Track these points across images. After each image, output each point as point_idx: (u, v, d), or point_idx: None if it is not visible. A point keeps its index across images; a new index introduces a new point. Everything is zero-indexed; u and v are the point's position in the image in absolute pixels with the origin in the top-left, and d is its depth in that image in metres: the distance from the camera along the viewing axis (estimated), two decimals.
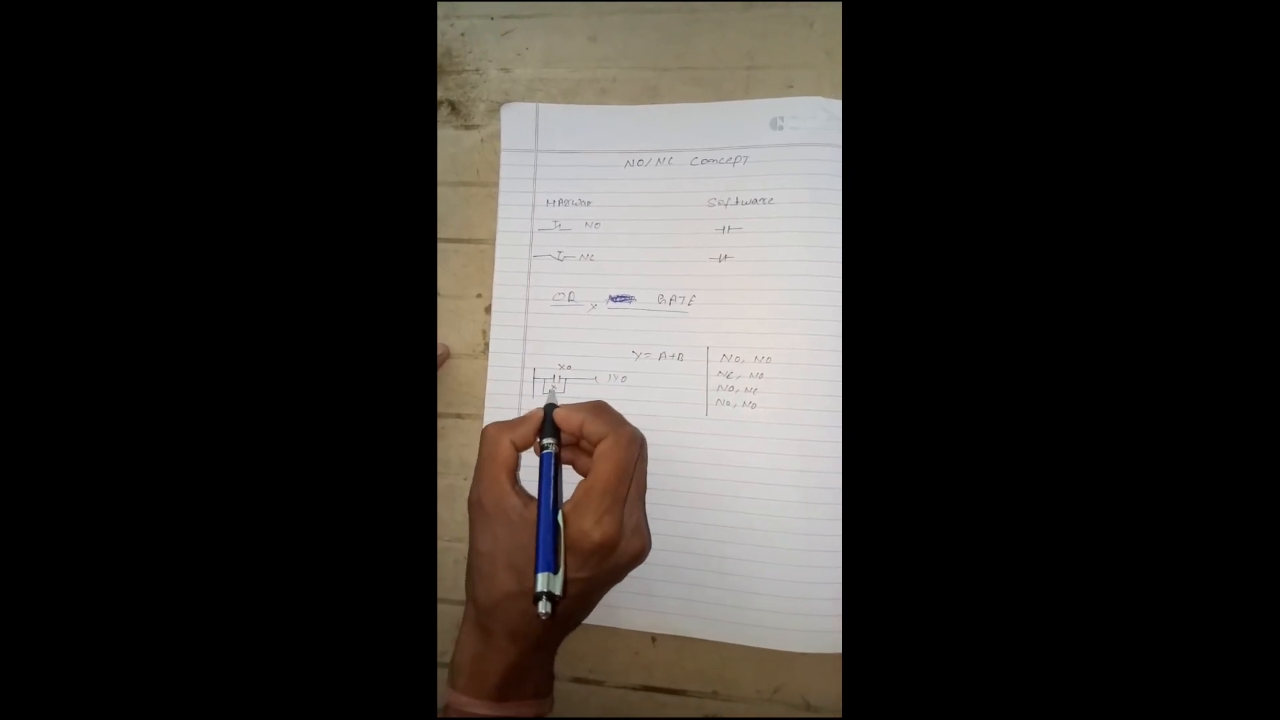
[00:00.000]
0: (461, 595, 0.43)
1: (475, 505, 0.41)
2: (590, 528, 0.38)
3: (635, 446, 0.41)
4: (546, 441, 0.41)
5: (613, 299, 0.48)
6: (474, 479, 0.42)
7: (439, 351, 0.49)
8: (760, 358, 0.46)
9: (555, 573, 0.37)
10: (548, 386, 0.48)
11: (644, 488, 0.43)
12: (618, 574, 0.42)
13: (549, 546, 0.37)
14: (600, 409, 0.42)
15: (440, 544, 0.47)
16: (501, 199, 0.50)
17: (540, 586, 0.36)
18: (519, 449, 0.42)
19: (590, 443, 0.41)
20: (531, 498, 0.40)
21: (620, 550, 0.39)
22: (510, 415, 0.47)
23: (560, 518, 0.38)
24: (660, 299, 0.48)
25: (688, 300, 0.47)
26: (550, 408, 0.42)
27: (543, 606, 0.36)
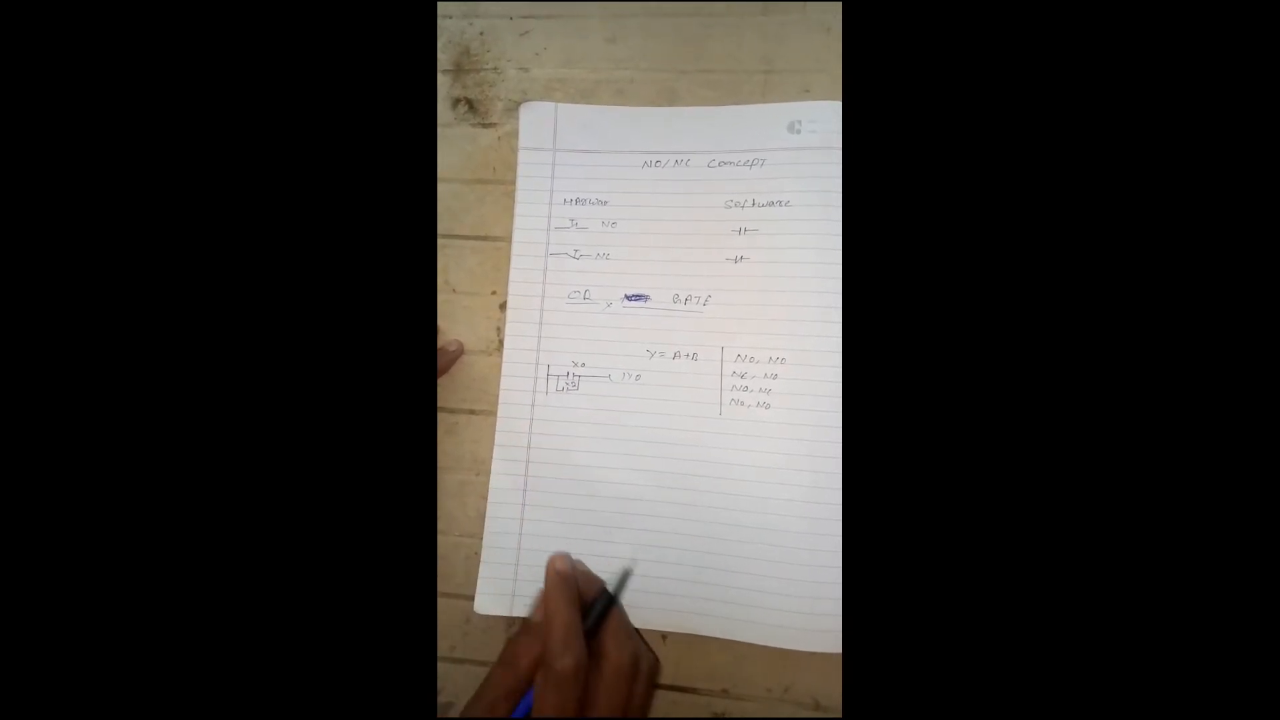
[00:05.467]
0: (468, 591, 0.44)
1: None
2: None
3: (570, 686, 0.35)
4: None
5: (628, 298, 0.48)
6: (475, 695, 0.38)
7: (453, 348, 0.49)
8: (775, 359, 0.46)
9: None
10: (625, 567, 0.42)
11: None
12: None
13: None
14: (554, 625, 0.37)
15: (450, 539, 0.48)
16: (519, 196, 0.50)
17: None
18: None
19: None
20: None
21: None
22: (523, 409, 0.48)
23: None
24: (675, 299, 0.48)
25: (703, 300, 0.47)
26: (609, 601, 0.40)
27: None
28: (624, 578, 0.41)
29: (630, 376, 0.47)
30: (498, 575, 0.46)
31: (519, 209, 0.50)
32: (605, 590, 0.40)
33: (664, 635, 0.45)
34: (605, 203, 0.50)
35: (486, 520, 0.47)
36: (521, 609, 0.45)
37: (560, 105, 0.51)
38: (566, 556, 0.41)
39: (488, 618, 0.46)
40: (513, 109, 0.52)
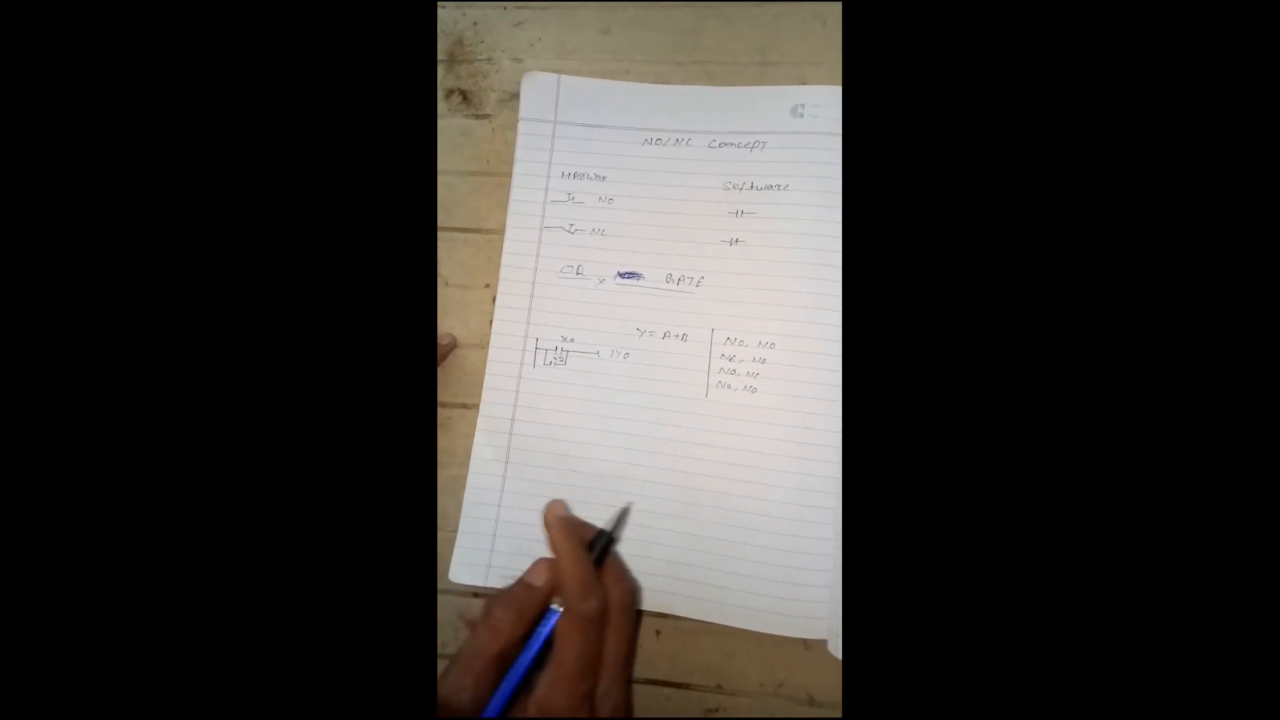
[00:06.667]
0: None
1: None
2: None
3: (596, 628, 0.36)
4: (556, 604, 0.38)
5: (621, 275, 0.48)
6: (454, 659, 0.37)
7: (445, 342, 0.48)
8: (764, 343, 0.45)
9: None
10: (623, 506, 0.43)
11: (627, 656, 0.39)
12: None
13: None
14: (574, 568, 0.38)
15: (443, 535, 0.46)
16: (516, 168, 0.50)
17: None
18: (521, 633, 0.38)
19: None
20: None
21: None
22: (509, 381, 0.47)
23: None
24: (669, 278, 0.47)
25: (696, 281, 0.47)
26: (606, 539, 0.40)
27: None
28: (622, 515, 0.42)
29: (619, 354, 0.47)
30: (474, 545, 0.45)
31: (516, 180, 0.50)
32: (603, 531, 0.41)
33: (657, 630, 0.44)
34: (603, 178, 0.49)
35: (466, 490, 0.46)
36: (498, 580, 0.44)
37: (563, 77, 0.51)
38: (562, 502, 0.43)
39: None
40: (506, 100, 0.52)
